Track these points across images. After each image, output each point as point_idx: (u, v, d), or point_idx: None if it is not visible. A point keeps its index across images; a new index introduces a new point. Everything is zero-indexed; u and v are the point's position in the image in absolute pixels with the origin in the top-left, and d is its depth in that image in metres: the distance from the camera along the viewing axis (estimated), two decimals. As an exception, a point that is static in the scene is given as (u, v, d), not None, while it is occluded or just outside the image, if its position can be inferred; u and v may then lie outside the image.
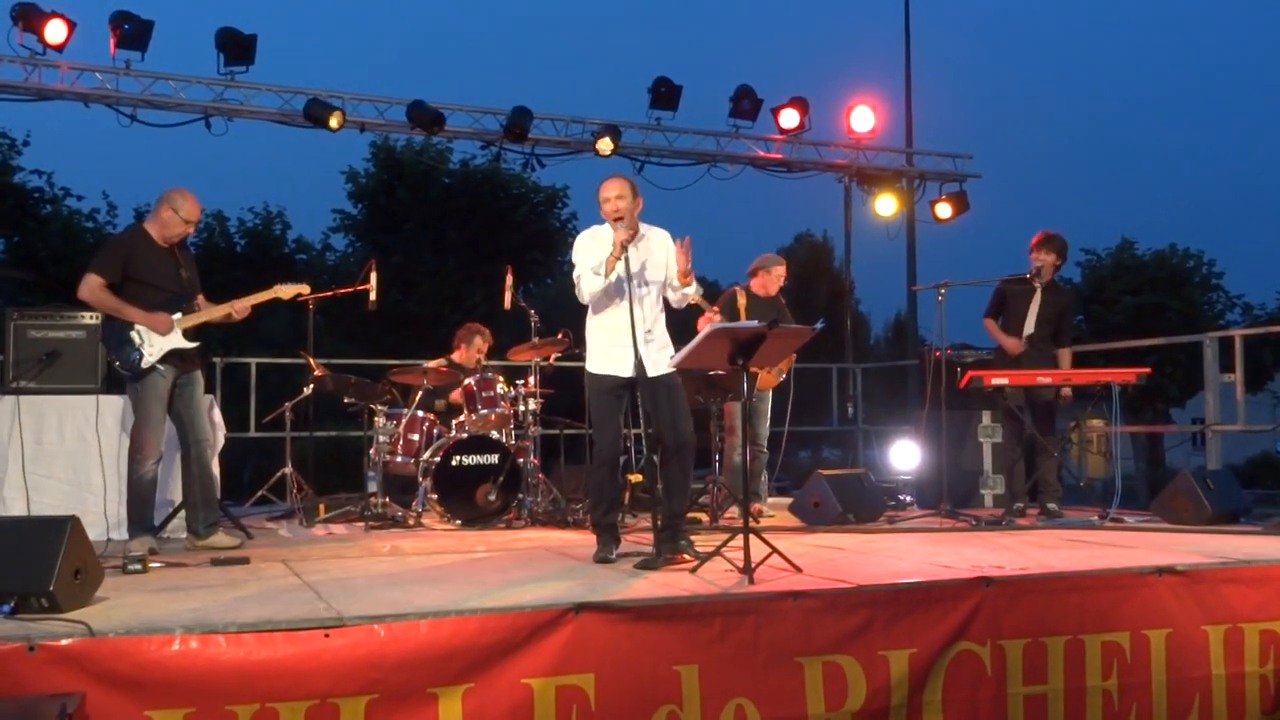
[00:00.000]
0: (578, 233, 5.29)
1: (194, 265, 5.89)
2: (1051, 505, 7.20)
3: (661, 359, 5.09)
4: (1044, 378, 7.05)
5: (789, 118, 11.03)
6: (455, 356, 8.14)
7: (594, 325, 5.20)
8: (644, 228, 5.17)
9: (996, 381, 7.02)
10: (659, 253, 5.19)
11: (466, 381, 7.33)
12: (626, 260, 4.98)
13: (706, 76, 19.97)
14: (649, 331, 5.09)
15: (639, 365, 4.98)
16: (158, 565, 5.02)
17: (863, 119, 11.49)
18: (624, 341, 4.99)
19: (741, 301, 7.53)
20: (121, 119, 9.11)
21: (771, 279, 7.66)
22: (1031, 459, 7.45)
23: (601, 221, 5.16)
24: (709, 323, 7.15)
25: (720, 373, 6.80)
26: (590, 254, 5.12)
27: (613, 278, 5.01)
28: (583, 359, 5.26)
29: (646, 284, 5.11)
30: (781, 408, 7.92)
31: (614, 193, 5.08)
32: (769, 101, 10.96)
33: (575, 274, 5.17)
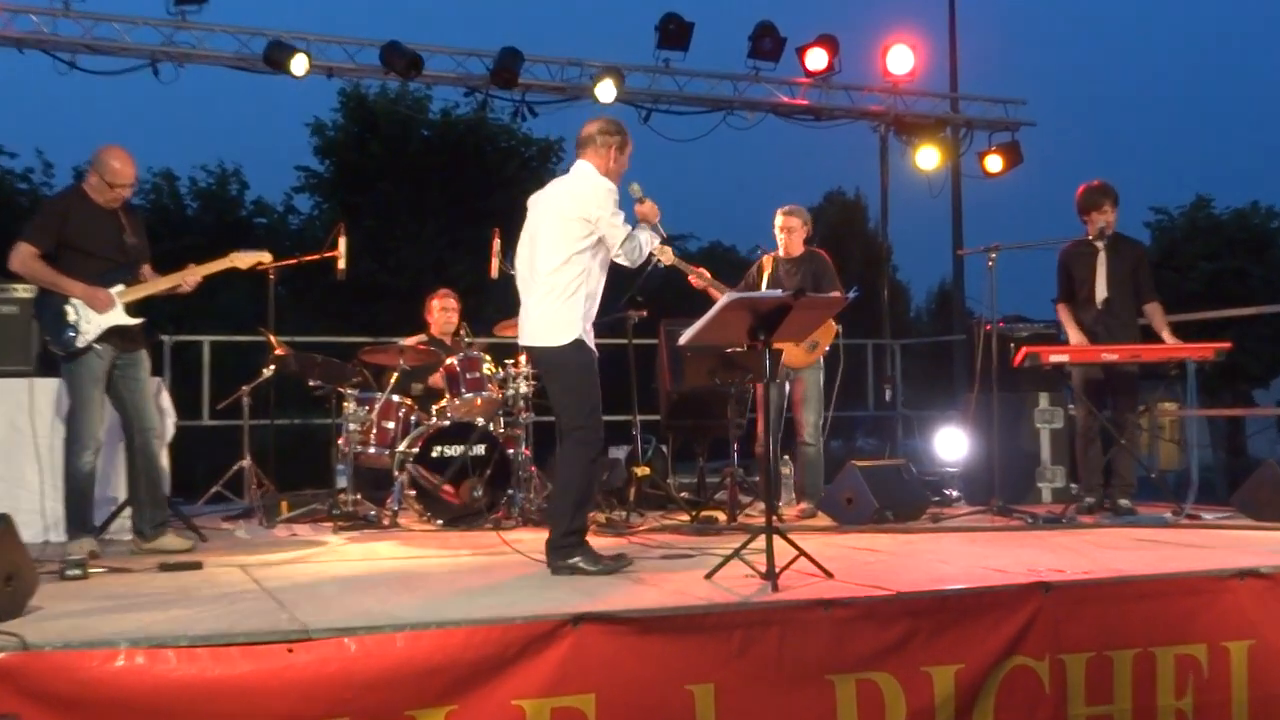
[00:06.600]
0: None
1: (142, 230, 5.92)
2: (1123, 501, 7.18)
3: None
4: (1109, 354, 7.01)
5: (816, 58, 10.96)
6: (434, 331, 8.13)
7: (589, 294, 5.13)
8: None
9: (1055, 359, 6.99)
10: None
11: (448, 361, 7.32)
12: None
13: (722, 12, 19.88)
14: None
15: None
16: (100, 570, 5.03)
17: (901, 60, 11.42)
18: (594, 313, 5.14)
19: (766, 271, 7.52)
20: (59, 66, 9.08)
21: (786, 238, 7.59)
22: (1105, 445, 7.39)
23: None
24: (700, 279, 7.16)
25: (738, 349, 6.78)
26: (618, 209, 5.15)
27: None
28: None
29: None
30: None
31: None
32: (793, 40, 10.90)
33: (622, 232, 5.08)
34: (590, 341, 5.12)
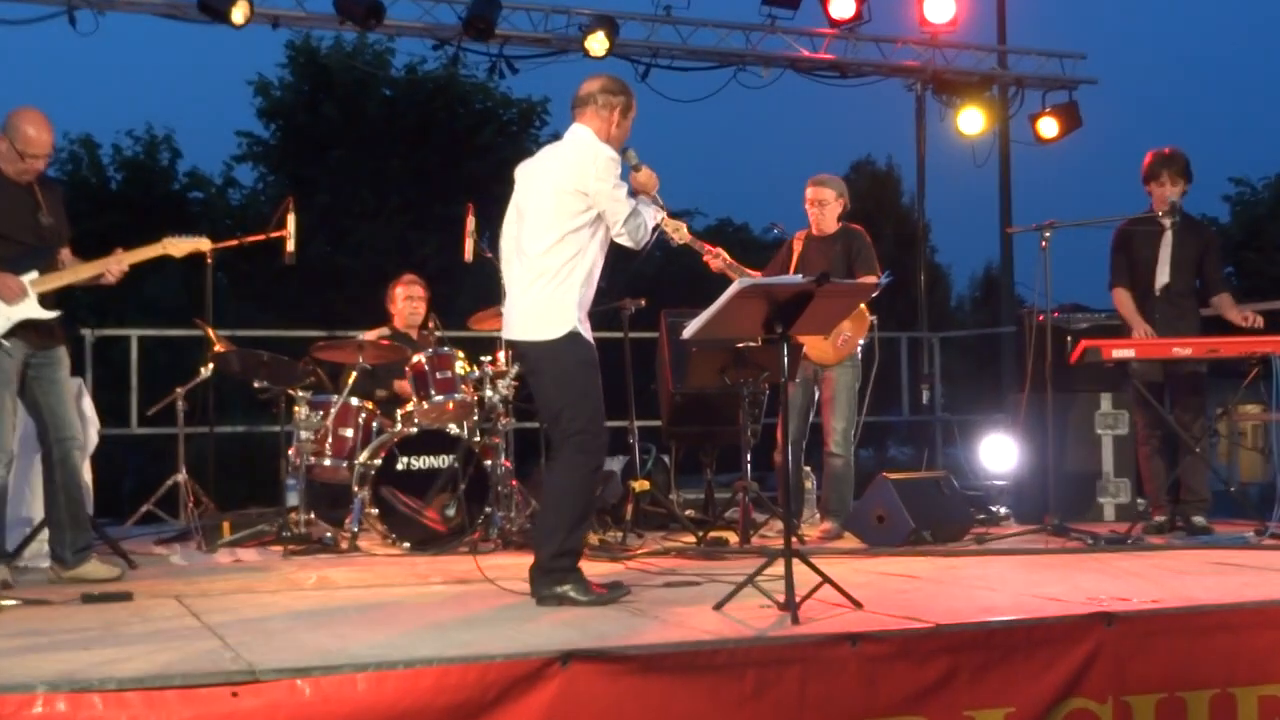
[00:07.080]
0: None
1: (60, 207, 5.92)
2: (1197, 518, 7.21)
3: None
4: (1182, 348, 7.01)
5: (842, 6, 10.97)
6: (398, 324, 8.14)
7: (584, 278, 5.10)
8: None
9: (1119, 354, 6.99)
10: None
11: (415, 359, 7.32)
12: None
13: (732, -49, 19.84)
14: None
15: None
16: (13, 603, 5.04)
17: (940, 7, 11.43)
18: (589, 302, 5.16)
19: (797, 252, 7.53)
20: (-42, 15, 9.09)
21: (817, 213, 7.61)
22: (1172, 456, 7.41)
23: None
24: (718, 260, 7.17)
25: (752, 344, 6.79)
26: (621, 181, 5.13)
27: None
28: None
29: None
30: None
31: None
32: (815, -16, 10.92)
33: (625, 208, 5.04)
34: (588, 334, 5.10)
